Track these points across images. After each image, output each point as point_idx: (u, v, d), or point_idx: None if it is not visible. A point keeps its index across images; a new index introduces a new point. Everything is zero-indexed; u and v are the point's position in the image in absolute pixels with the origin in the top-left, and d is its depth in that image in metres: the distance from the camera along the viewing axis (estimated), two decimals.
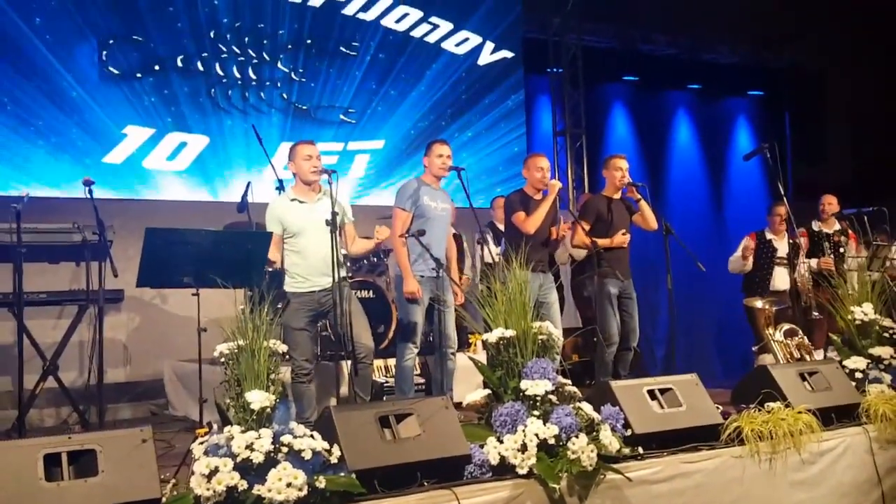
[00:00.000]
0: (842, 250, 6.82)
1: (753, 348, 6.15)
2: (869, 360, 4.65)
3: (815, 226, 6.94)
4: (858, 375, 4.57)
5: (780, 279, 6.57)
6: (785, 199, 5.90)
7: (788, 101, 11.94)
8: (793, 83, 11.66)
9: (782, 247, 6.63)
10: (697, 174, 11.63)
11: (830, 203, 6.88)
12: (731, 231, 6.90)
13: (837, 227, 6.94)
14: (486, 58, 8.91)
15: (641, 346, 8.16)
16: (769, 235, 6.67)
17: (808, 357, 5.52)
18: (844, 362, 4.64)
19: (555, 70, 9.92)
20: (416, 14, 8.43)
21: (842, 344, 4.80)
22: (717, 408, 4.04)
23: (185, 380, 6.13)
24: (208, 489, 2.75)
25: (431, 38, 8.56)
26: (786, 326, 5.66)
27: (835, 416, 4.22)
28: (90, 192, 4.54)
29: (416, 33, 8.47)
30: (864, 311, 4.73)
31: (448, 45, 8.67)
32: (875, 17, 9.79)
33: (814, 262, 6.71)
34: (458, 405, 4.72)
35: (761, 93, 12.02)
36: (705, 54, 11.07)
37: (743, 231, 7.18)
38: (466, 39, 8.77)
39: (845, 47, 10.50)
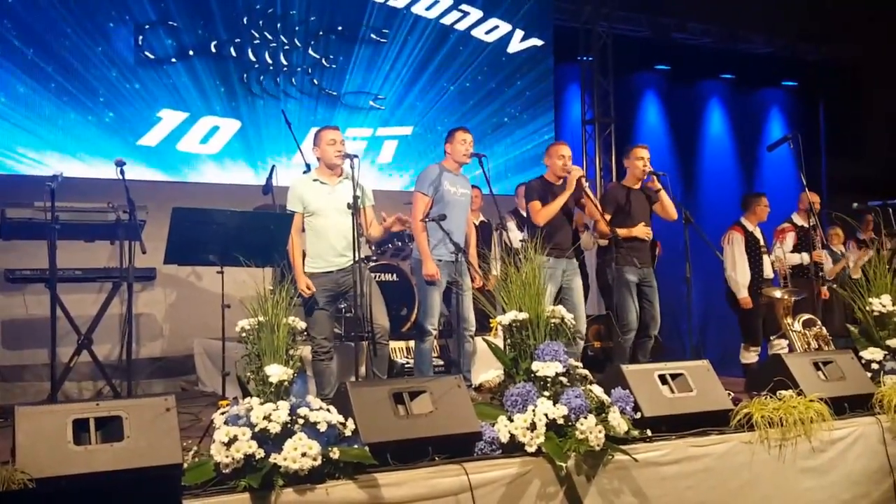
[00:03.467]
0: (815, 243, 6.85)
1: (771, 338, 6.18)
2: (886, 352, 4.66)
3: (798, 220, 6.94)
4: (875, 366, 4.59)
5: (768, 267, 6.60)
6: (807, 190, 5.91)
7: (823, 92, 11.80)
8: (827, 75, 11.52)
9: (760, 236, 6.65)
10: (730, 165, 11.55)
11: (814, 200, 6.83)
12: (762, 222, 6.85)
13: (811, 221, 6.94)
14: (515, 45, 8.95)
15: (672, 336, 8.18)
16: (750, 227, 6.65)
17: (825, 347, 5.53)
18: (861, 353, 4.66)
19: (585, 58, 9.92)
20: (446, 1, 8.49)
21: (859, 335, 4.81)
22: (729, 394, 4.09)
23: (213, 356, 6.31)
24: (227, 456, 2.89)
25: (461, 26, 8.63)
26: (805, 316, 5.67)
27: (848, 406, 4.25)
28: (122, 172, 4.69)
29: (446, 20, 8.53)
30: (883, 303, 4.74)
31: (478, 33, 8.72)
32: None
33: (805, 255, 6.74)
34: (478, 387, 4.85)
35: (795, 83, 11.89)
36: (739, 44, 10.98)
37: (775, 222, 7.13)
38: (496, 27, 8.82)
39: (882, 40, 10.34)
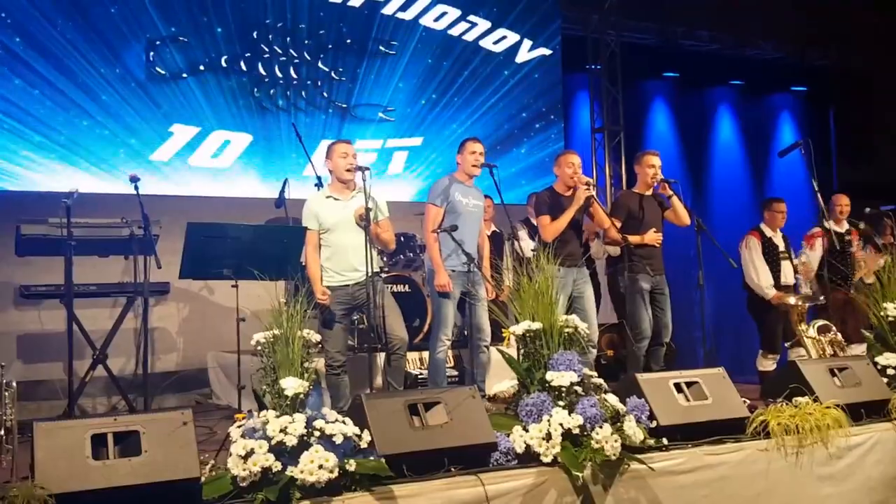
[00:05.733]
0: (851, 249, 6.74)
1: (786, 344, 6.13)
2: None
3: (829, 225, 6.85)
4: (890, 372, 4.57)
5: (786, 273, 6.50)
6: (819, 196, 5.87)
7: (833, 97, 11.77)
8: (837, 80, 11.49)
9: (779, 242, 6.58)
10: (740, 171, 11.53)
11: (846, 203, 6.75)
12: (781, 228, 6.78)
13: (846, 227, 6.88)
14: (523, 55, 8.97)
15: (685, 343, 8.14)
16: (768, 233, 6.60)
17: (840, 353, 5.49)
18: (876, 358, 4.64)
19: (593, 67, 9.94)
20: (454, 13, 8.54)
21: (874, 340, 4.78)
22: (744, 402, 4.08)
23: (227, 369, 6.33)
24: (244, 469, 2.90)
25: (469, 37, 8.66)
26: (819, 322, 5.64)
27: (864, 412, 4.24)
28: (136, 187, 4.73)
29: (454, 32, 8.57)
30: None
31: (486, 44, 8.75)
32: None
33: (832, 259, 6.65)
34: (493, 398, 4.85)
35: (805, 88, 11.87)
36: (748, 50, 10.97)
37: (790, 228, 7.05)
38: (504, 37, 8.85)
39: (892, 42, 10.32)
